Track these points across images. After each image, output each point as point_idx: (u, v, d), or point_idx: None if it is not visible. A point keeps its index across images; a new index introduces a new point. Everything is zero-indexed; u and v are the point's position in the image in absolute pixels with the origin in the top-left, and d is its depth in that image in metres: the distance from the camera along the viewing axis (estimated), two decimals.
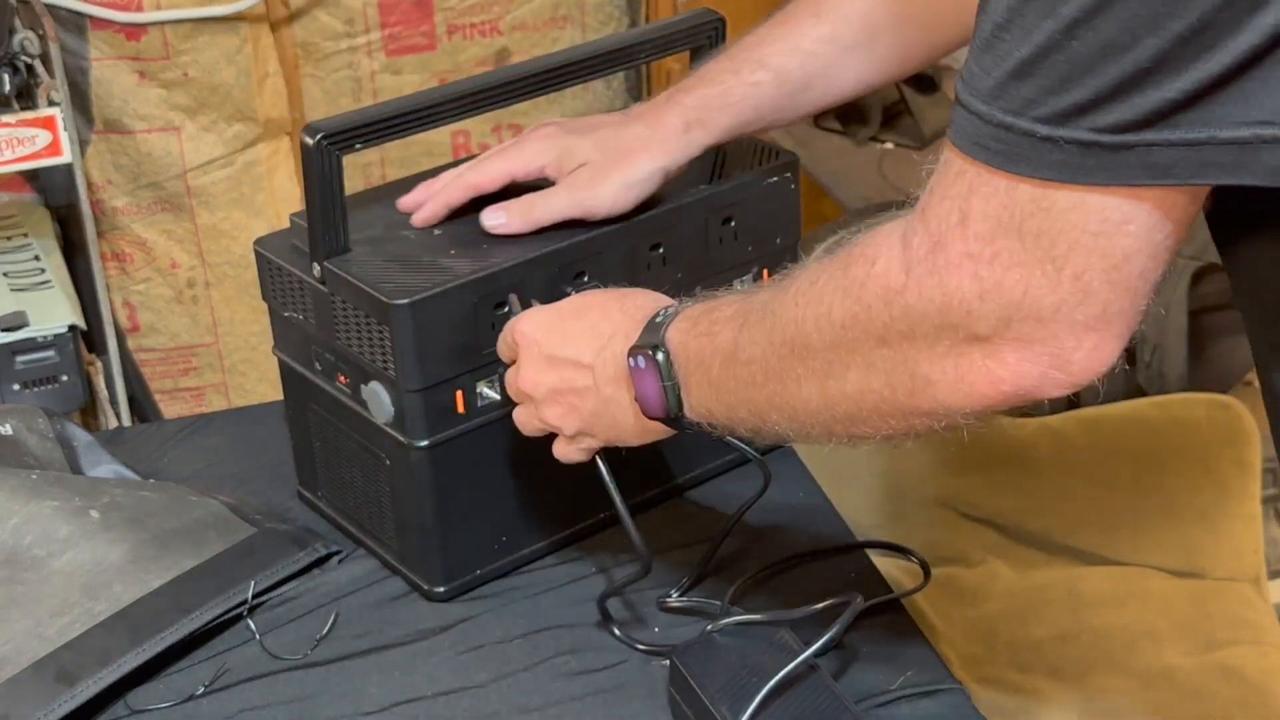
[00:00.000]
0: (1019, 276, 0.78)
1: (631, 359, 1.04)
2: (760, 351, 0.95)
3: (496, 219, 1.21)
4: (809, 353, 0.91)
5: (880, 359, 0.86)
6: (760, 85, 1.18)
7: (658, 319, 1.04)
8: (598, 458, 1.15)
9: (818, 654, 1.09)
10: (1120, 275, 0.77)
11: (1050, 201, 0.76)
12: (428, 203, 1.25)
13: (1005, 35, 0.74)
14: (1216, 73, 0.70)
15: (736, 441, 1.20)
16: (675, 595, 1.24)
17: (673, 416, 1.04)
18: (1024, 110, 0.75)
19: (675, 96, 1.20)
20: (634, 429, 1.09)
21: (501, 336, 1.15)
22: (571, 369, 1.09)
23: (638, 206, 1.24)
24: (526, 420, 1.14)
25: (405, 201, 1.26)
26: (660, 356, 1.02)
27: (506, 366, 1.17)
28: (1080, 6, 0.71)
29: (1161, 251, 0.77)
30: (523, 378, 1.12)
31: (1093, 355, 0.79)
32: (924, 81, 2.29)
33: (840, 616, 1.13)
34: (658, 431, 1.08)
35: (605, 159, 1.20)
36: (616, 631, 1.20)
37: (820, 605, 1.16)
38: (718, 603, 1.22)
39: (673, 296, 1.27)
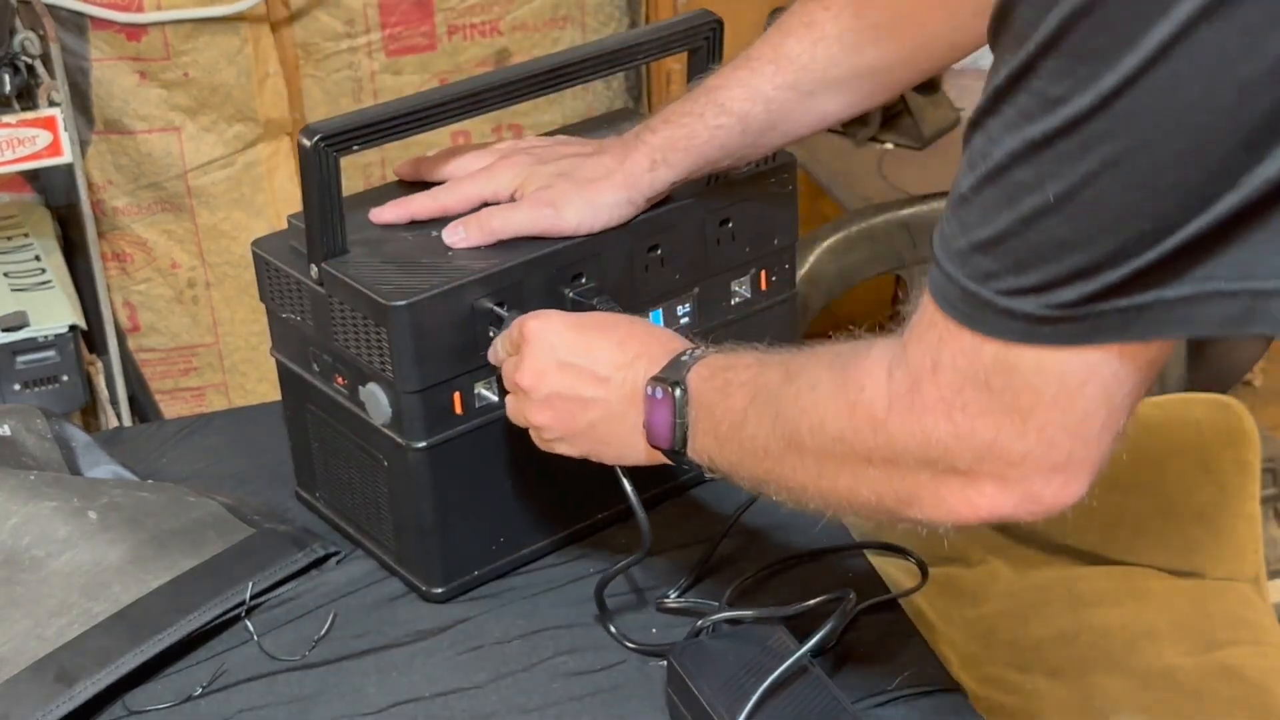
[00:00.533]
0: (989, 424, 0.82)
1: (650, 388, 1.07)
2: (763, 434, 0.99)
3: (456, 234, 1.21)
4: (804, 453, 0.95)
5: (867, 475, 0.91)
6: (723, 129, 1.20)
7: (684, 357, 1.07)
8: None
9: (813, 652, 1.09)
10: (1081, 430, 0.81)
11: (1013, 361, 0.80)
12: (393, 207, 1.25)
13: (970, 211, 0.78)
14: (1161, 259, 0.73)
15: None
16: (674, 596, 1.24)
17: (676, 450, 1.07)
18: (985, 281, 0.78)
19: (643, 135, 1.22)
20: (635, 450, 1.11)
21: (504, 334, 1.16)
22: (585, 379, 1.10)
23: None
24: (516, 411, 1.15)
25: (378, 213, 1.26)
26: (678, 393, 1.05)
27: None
28: (1035, 205, 0.74)
29: (1120, 409, 0.81)
30: (525, 372, 1.12)
31: (1061, 492, 0.84)
32: (924, 82, 2.29)
33: (834, 614, 1.13)
34: (658, 458, 1.10)
35: (570, 184, 1.21)
36: (612, 629, 1.20)
37: (813, 601, 1.17)
38: (715, 603, 1.22)
39: (674, 298, 1.28)
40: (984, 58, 2.49)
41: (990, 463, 0.83)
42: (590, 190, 1.21)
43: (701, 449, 1.05)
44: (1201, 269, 0.73)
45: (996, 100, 0.74)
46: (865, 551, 1.31)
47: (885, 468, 0.89)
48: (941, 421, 0.84)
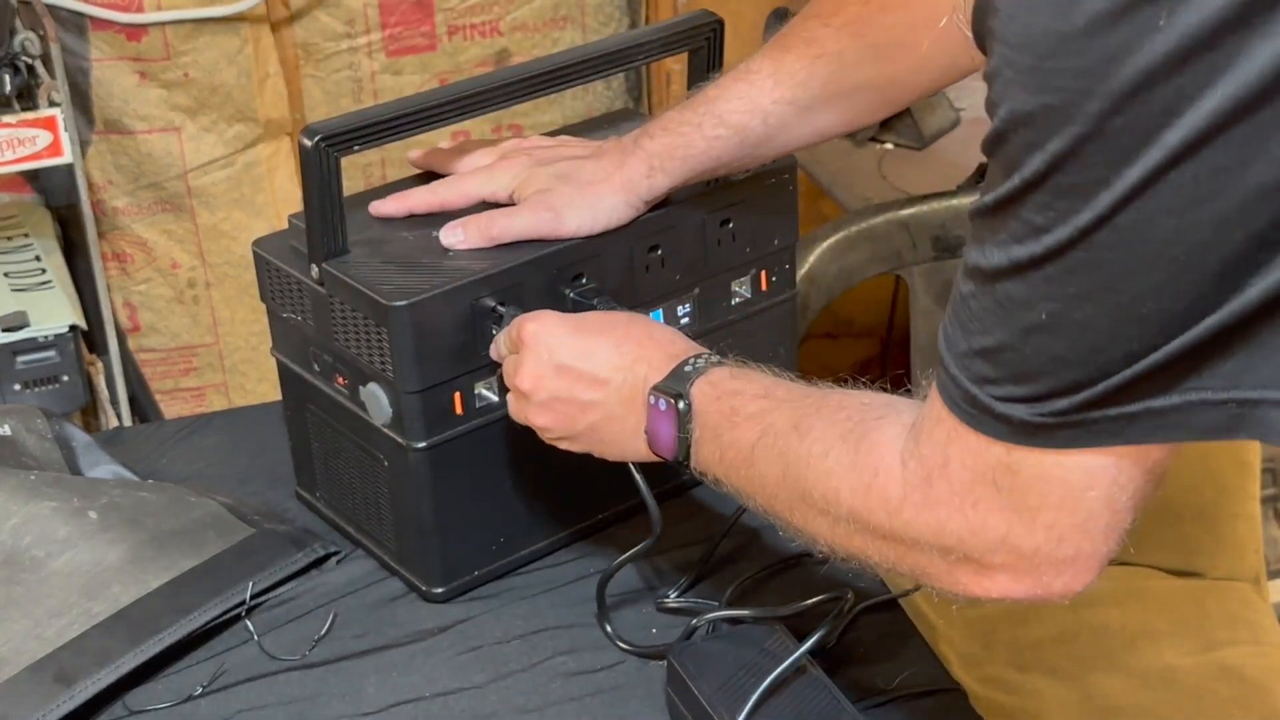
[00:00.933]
0: (1000, 520, 0.84)
1: (653, 397, 1.07)
2: (773, 479, 0.99)
3: (455, 236, 1.21)
4: (817, 512, 0.95)
5: (882, 548, 0.92)
6: (721, 140, 1.20)
7: (687, 367, 1.07)
8: None
9: (811, 652, 1.10)
10: (1088, 527, 0.83)
11: (1016, 464, 0.81)
12: (392, 200, 1.27)
13: (969, 315, 0.79)
14: (1149, 371, 0.75)
15: None
16: (674, 596, 1.24)
17: (679, 461, 1.07)
18: (983, 385, 0.80)
19: (641, 141, 1.22)
20: (637, 450, 1.11)
21: (505, 331, 1.16)
22: (584, 382, 1.11)
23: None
24: (517, 411, 1.15)
25: (377, 205, 1.27)
26: (682, 406, 1.05)
27: (499, 364, 1.18)
28: (1029, 322, 0.76)
29: (1125, 510, 0.82)
30: (523, 375, 1.12)
31: (1072, 582, 0.85)
32: None
33: (831, 614, 1.13)
34: (658, 460, 1.10)
35: (570, 187, 1.22)
36: (608, 629, 1.20)
37: (812, 601, 1.17)
38: (715, 603, 1.22)
39: (674, 298, 1.28)
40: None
41: (1003, 555, 0.85)
42: (590, 193, 1.21)
43: (705, 465, 1.05)
44: (1189, 380, 0.75)
45: (987, 215, 0.76)
46: None
47: (899, 546, 0.90)
48: (955, 515, 0.85)
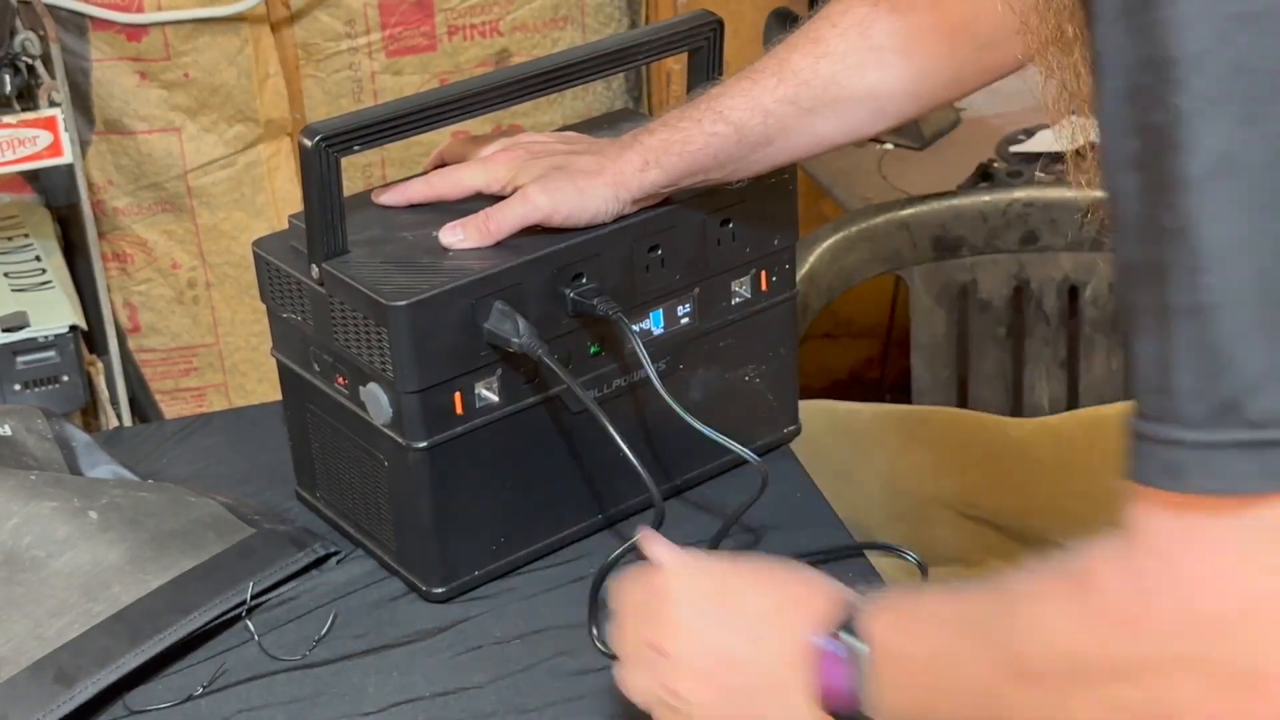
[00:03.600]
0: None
1: (822, 643, 0.91)
2: (983, 671, 0.83)
3: (454, 236, 1.21)
4: (1034, 681, 0.79)
5: (1118, 696, 0.75)
6: (719, 136, 1.19)
7: (854, 601, 0.92)
8: (598, 411, 1.17)
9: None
10: None
11: None
12: (393, 190, 1.28)
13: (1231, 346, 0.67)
14: None
15: (733, 443, 1.21)
16: None
17: (856, 713, 0.91)
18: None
19: (639, 136, 1.22)
20: (798, 715, 0.93)
21: (634, 578, 1.04)
22: (736, 635, 0.96)
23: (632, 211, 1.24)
24: (641, 684, 1.01)
25: (378, 194, 1.29)
26: (859, 646, 0.90)
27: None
28: None
29: None
30: (665, 632, 0.98)
31: None
32: None
33: None
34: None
35: (562, 176, 1.21)
36: (595, 630, 1.20)
37: None
38: None
39: (674, 298, 1.28)
40: None
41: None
42: (581, 183, 1.21)
43: (891, 705, 0.89)
44: None
45: None
46: (865, 552, 1.31)
47: (1142, 678, 0.73)
48: (1207, 589, 0.69)
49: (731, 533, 1.28)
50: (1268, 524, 0.67)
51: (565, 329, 1.22)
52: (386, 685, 1.18)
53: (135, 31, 2.32)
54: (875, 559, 1.31)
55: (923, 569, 1.28)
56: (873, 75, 1.18)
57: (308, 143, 1.16)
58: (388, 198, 1.27)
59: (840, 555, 1.28)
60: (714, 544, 1.27)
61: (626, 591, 1.03)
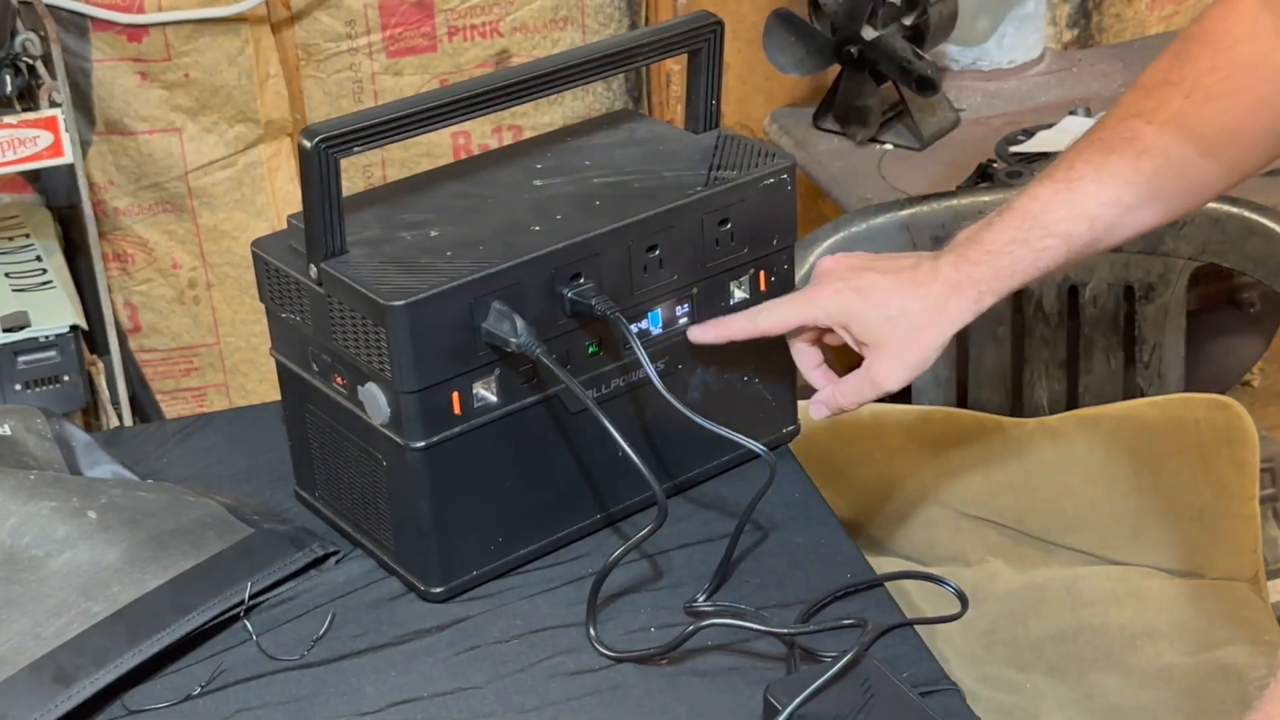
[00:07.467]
0: None
1: None
2: None
3: (820, 412, 1.27)
4: None
5: None
6: (1048, 250, 1.21)
7: None
8: (597, 411, 1.17)
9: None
10: None
11: None
12: (711, 327, 1.29)
13: None
14: None
15: (740, 436, 1.21)
16: (702, 600, 1.24)
17: None
18: None
19: (965, 268, 1.22)
20: None
21: None
22: None
23: (635, 207, 1.24)
24: None
25: (695, 333, 1.29)
26: None
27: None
28: None
29: None
30: None
31: None
32: (924, 82, 2.29)
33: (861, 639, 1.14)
34: None
35: (897, 339, 1.23)
36: (593, 631, 1.20)
37: (827, 626, 1.19)
38: (740, 606, 1.23)
39: (673, 298, 1.28)
40: (982, 59, 2.50)
41: None
42: (915, 344, 1.23)
43: None
44: None
45: None
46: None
47: None
48: None
49: (727, 534, 1.28)
50: None
51: (563, 329, 1.22)
52: (385, 685, 1.18)
53: (136, 32, 2.32)
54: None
55: (962, 600, 1.27)
56: (1198, 165, 1.18)
57: (307, 144, 1.16)
58: (707, 335, 1.28)
59: (872, 584, 1.27)
60: (731, 544, 1.26)
61: None
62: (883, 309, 1.24)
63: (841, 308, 1.25)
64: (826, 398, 1.29)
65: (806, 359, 1.31)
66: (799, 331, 1.29)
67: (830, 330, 1.28)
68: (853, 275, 1.27)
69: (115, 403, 2.25)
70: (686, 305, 1.29)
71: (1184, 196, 1.22)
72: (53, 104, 2.03)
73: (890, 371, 1.24)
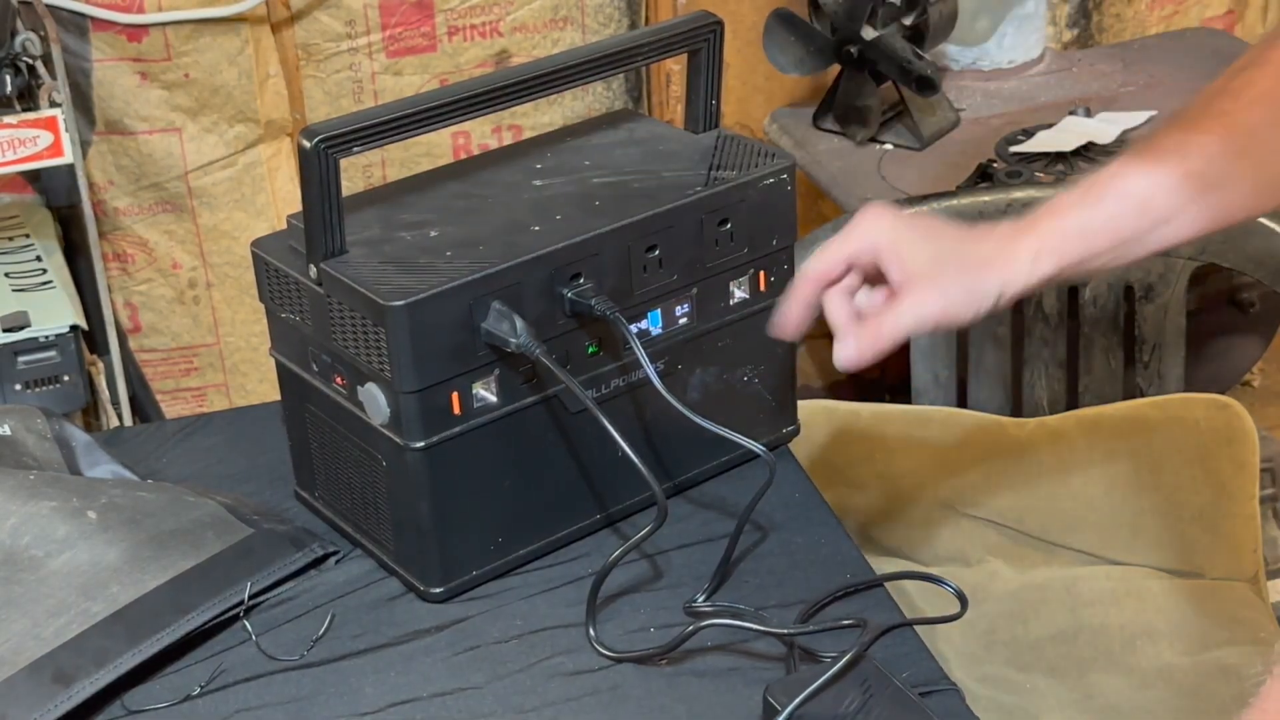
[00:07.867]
0: None
1: None
2: None
3: (847, 352, 1.16)
4: None
5: None
6: (1120, 217, 1.16)
7: None
8: (597, 411, 1.17)
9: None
10: None
11: None
12: (784, 307, 1.22)
13: None
14: None
15: (739, 436, 1.21)
16: (701, 600, 1.24)
17: None
18: None
19: (1022, 228, 1.17)
20: None
21: None
22: None
23: (634, 207, 1.24)
24: None
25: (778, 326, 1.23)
26: None
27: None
28: None
29: None
30: None
31: None
32: (923, 82, 2.29)
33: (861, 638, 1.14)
34: None
35: (945, 273, 1.16)
36: (592, 632, 1.20)
37: (826, 626, 1.19)
38: (740, 606, 1.22)
39: (672, 298, 1.28)
40: (982, 59, 2.50)
41: None
42: (970, 276, 1.16)
43: None
44: None
45: None
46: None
47: None
48: None
49: (726, 534, 1.28)
50: None
51: (563, 329, 1.22)
52: (384, 685, 1.18)
53: (136, 32, 2.32)
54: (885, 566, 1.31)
55: (962, 601, 1.27)
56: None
57: (307, 144, 1.16)
58: (782, 322, 1.21)
59: (871, 585, 1.27)
60: (732, 543, 1.26)
61: None
62: (936, 242, 1.19)
63: (896, 233, 1.18)
64: (856, 336, 1.18)
65: (843, 312, 1.20)
66: (836, 279, 1.20)
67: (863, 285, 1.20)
68: (904, 214, 1.22)
69: (115, 403, 2.26)
70: (686, 305, 1.29)
71: (1271, 180, 1.17)
72: (53, 104, 2.03)
73: (924, 300, 1.15)
